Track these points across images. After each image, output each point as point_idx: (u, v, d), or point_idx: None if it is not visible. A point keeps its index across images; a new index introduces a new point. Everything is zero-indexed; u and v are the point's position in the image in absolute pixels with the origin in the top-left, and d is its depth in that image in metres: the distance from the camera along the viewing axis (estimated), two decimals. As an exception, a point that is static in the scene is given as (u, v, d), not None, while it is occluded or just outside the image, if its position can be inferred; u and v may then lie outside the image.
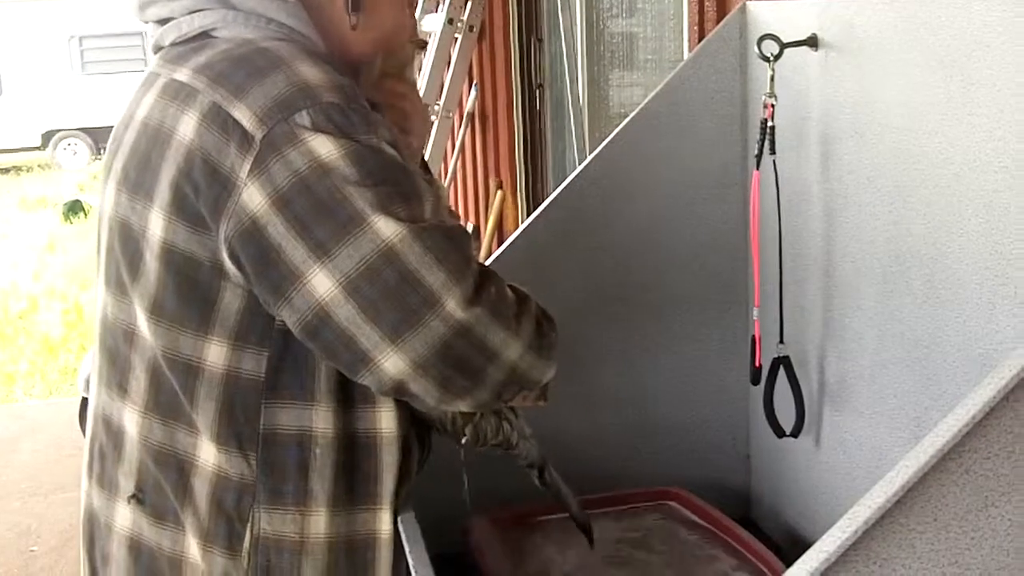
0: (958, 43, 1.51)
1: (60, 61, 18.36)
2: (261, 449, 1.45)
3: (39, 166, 18.74)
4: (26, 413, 6.37)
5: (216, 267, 1.38)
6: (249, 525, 1.46)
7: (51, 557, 4.28)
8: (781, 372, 2.01)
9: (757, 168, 1.92)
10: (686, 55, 2.52)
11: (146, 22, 1.56)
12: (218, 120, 1.34)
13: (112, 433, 1.55)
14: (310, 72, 1.37)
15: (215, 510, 1.47)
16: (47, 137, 18.79)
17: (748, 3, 2.08)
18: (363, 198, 1.33)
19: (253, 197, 1.32)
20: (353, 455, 1.49)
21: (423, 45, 1.60)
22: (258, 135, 1.32)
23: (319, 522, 1.48)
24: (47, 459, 5.29)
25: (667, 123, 2.08)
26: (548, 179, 4.87)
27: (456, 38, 4.90)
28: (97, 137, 18.72)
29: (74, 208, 13.70)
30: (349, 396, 1.47)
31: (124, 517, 1.54)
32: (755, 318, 2.00)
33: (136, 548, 1.54)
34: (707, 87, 2.09)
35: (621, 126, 2.08)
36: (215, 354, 1.42)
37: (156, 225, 1.40)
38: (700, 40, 2.32)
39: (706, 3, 2.50)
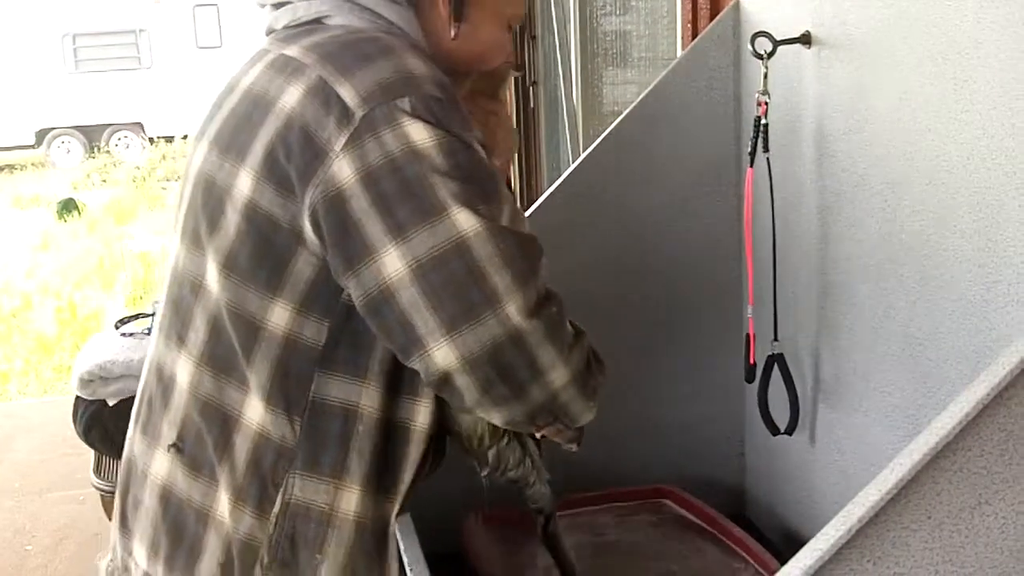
0: (951, 40, 1.51)
1: (54, 59, 18.32)
2: (307, 416, 1.47)
3: (33, 164, 18.68)
4: (20, 411, 6.35)
5: (295, 232, 1.41)
6: (282, 490, 1.48)
7: (45, 556, 4.27)
8: (775, 370, 2.02)
9: (751, 165, 1.92)
10: (679, 53, 2.52)
11: (262, 5, 1.61)
12: (322, 94, 1.39)
13: (163, 382, 1.57)
14: (416, 64, 1.42)
15: (251, 469, 1.48)
16: (41, 135, 18.73)
17: (741, 0, 2.08)
18: (448, 189, 1.36)
19: (343, 169, 1.36)
20: (389, 441, 1.51)
21: (519, 68, 1.62)
22: (359, 113, 1.37)
23: (351, 499, 1.49)
24: (41, 458, 5.27)
25: (661, 121, 2.08)
26: (542, 176, 4.87)
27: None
28: (91, 135, 18.68)
29: (68, 206, 13.66)
30: (397, 383, 1.49)
31: (161, 465, 1.56)
32: (749, 316, 2.00)
33: (167, 497, 1.55)
34: (701, 85, 2.09)
35: (615, 124, 2.08)
36: (279, 316, 1.45)
37: (244, 184, 1.43)
38: (693, 38, 2.32)
39: (699, 0, 2.50)
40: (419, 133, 1.37)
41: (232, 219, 1.45)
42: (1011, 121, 1.42)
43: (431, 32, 1.55)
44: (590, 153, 2.08)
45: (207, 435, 1.50)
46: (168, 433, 1.54)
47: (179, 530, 1.54)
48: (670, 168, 2.11)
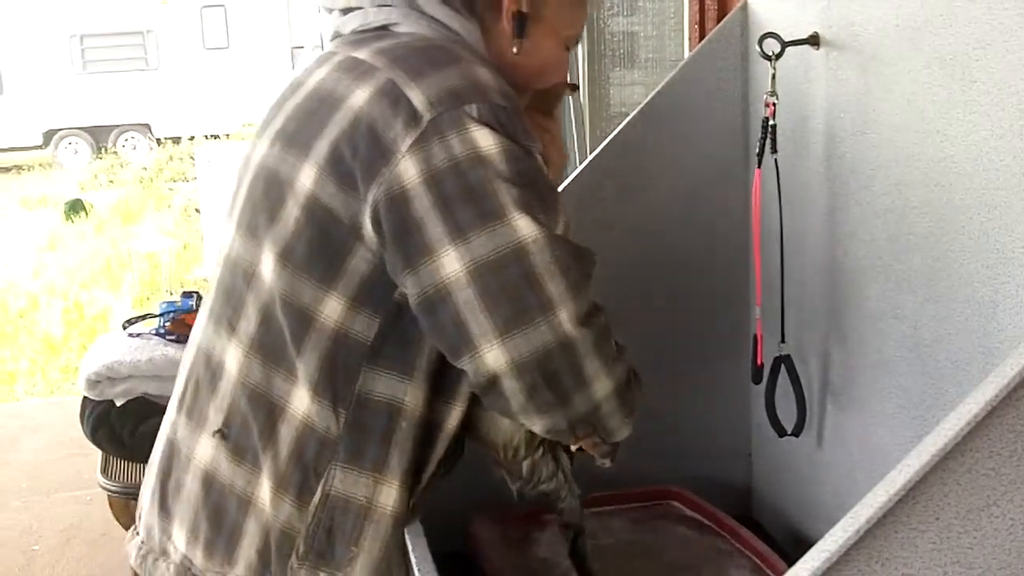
0: (959, 42, 1.51)
1: (61, 60, 18.35)
2: (353, 409, 1.49)
3: (40, 165, 18.70)
4: (27, 412, 6.36)
5: (354, 228, 1.43)
6: (323, 480, 1.50)
7: (52, 556, 4.27)
8: (783, 371, 2.01)
9: (759, 167, 1.92)
10: (687, 54, 2.52)
11: (329, 11, 1.64)
12: (391, 95, 1.42)
13: (211, 368, 1.58)
14: (483, 74, 1.46)
15: (294, 458, 1.50)
16: (48, 136, 18.75)
17: (749, 1, 2.08)
18: (510, 195, 1.39)
19: (408, 170, 1.39)
20: (425, 439, 1.54)
21: (575, 88, 1.64)
22: (427, 116, 1.40)
23: (390, 493, 1.51)
24: (48, 458, 5.28)
25: (668, 122, 2.08)
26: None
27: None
28: (98, 136, 18.70)
29: (75, 207, 13.67)
30: (440, 384, 1.52)
31: (205, 450, 1.58)
32: (757, 317, 2.00)
33: (209, 482, 1.57)
34: (708, 86, 2.09)
35: (622, 125, 2.08)
36: (331, 309, 1.46)
37: (306, 177, 1.46)
38: (701, 39, 2.32)
39: (707, 1, 2.50)
40: (485, 139, 1.40)
41: (292, 211, 1.47)
42: (1019, 122, 1.42)
43: (494, 46, 1.58)
44: (597, 154, 2.08)
45: (253, 422, 1.52)
46: (214, 418, 1.56)
47: (220, 516, 1.56)
48: (677, 169, 2.11)
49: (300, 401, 1.49)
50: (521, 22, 1.58)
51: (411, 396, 1.50)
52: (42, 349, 8.14)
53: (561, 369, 1.40)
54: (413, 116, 1.40)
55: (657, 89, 2.07)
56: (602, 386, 1.44)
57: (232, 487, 1.55)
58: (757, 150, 1.92)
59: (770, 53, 1.88)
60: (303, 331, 1.48)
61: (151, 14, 18.44)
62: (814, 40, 1.86)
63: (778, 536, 2.15)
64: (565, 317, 1.39)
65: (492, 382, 1.41)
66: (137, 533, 1.72)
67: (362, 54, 1.50)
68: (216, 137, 16.50)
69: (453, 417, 1.54)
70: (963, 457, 0.99)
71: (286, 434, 1.50)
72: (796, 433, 2.03)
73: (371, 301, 1.47)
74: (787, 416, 2.03)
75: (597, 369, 1.42)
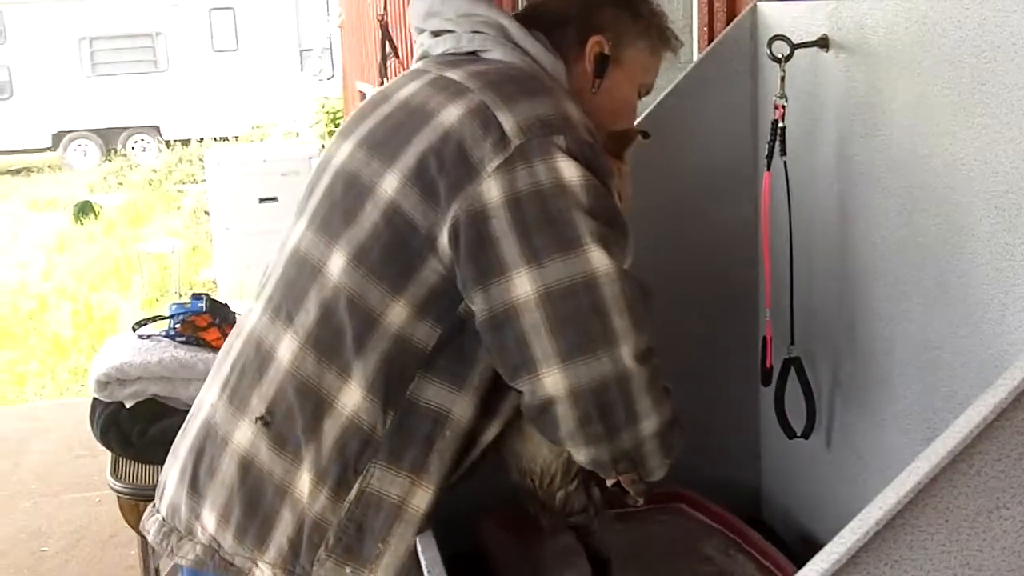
0: (969, 44, 1.51)
1: (70, 62, 18.37)
2: (401, 412, 1.54)
3: (49, 167, 18.72)
4: (36, 414, 6.37)
5: (430, 239, 1.49)
6: (361, 477, 1.54)
7: (61, 557, 4.28)
8: (792, 373, 2.01)
9: (768, 169, 1.92)
10: (696, 56, 2.51)
11: (420, 31, 1.71)
12: (482, 116, 1.48)
13: (261, 355, 1.62)
14: (572, 108, 1.52)
15: (336, 453, 1.54)
16: (57, 138, 18.76)
17: (758, 4, 2.08)
18: (587, 226, 1.45)
19: (491, 190, 1.45)
20: (463, 449, 1.58)
21: (647, 136, 1.76)
22: (515, 141, 1.46)
23: (424, 497, 1.56)
24: (57, 460, 5.28)
25: (677, 124, 2.08)
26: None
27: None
28: (107, 138, 18.72)
29: (84, 209, 13.68)
30: (487, 400, 1.57)
31: (244, 436, 1.61)
32: (766, 319, 2.00)
33: (247, 468, 1.60)
34: (717, 88, 2.09)
35: (632, 127, 2.08)
36: (396, 314, 1.52)
37: (389, 184, 1.51)
38: (710, 41, 2.32)
39: (716, 4, 2.50)
40: (569, 170, 1.46)
41: (371, 215, 1.52)
42: (1029, 123, 1.42)
43: (574, 85, 1.64)
44: (606, 156, 2.07)
45: (299, 414, 1.56)
46: (257, 405, 1.60)
47: (255, 502, 1.59)
48: (687, 171, 2.11)
49: (350, 398, 1.54)
50: (603, 63, 1.66)
51: (459, 408, 1.55)
52: (51, 351, 8.15)
53: (615, 402, 1.45)
54: (502, 139, 1.46)
55: (666, 92, 2.07)
56: (650, 424, 1.49)
57: (271, 474, 1.58)
58: (766, 152, 1.92)
59: (779, 55, 1.88)
60: (366, 332, 1.52)
61: (160, 16, 18.46)
62: (823, 42, 1.86)
63: (787, 538, 2.14)
64: (626, 352, 1.45)
65: (546, 406, 1.46)
66: (157, 511, 1.74)
67: (455, 75, 1.56)
68: (225, 139, 16.51)
69: (491, 432, 1.59)
70: (972, 460, 0.99)
71: (330, 429, 1.54)
72: (805, 435, 2.02)
73: (435, 312, 1.52)
74: (796, 418, 2.03)
75: (648, 407, 1.48)
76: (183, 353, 2.96)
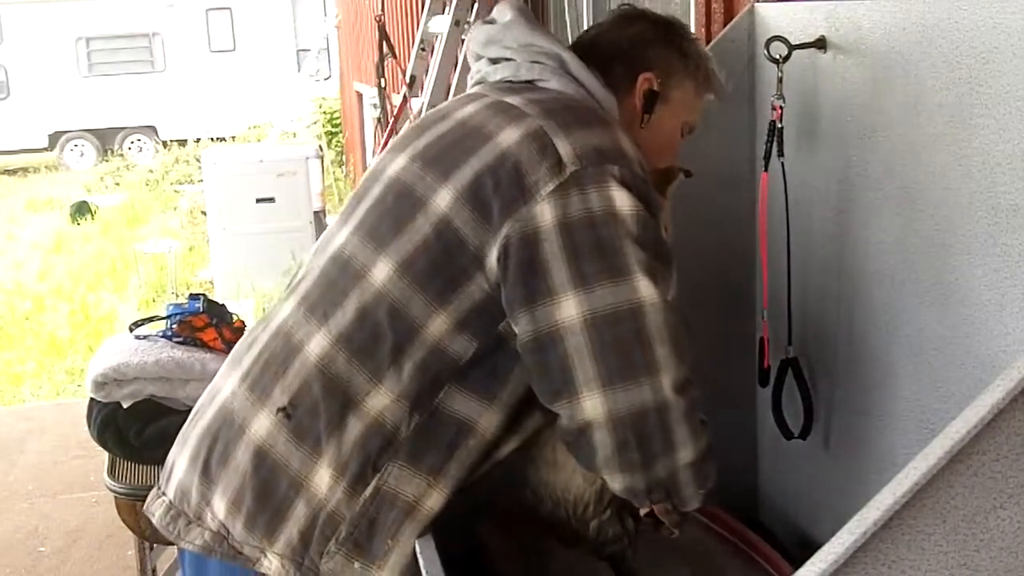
0: (967, 45, 1.51)
1: (67, 62, 18.33)
2: (428, 417, 1.57)
3: (46, 167, 18.67)
4: (33, 414, 6.35)
5: (478, 257, 1.52)
6: (379, 474, 1.56)
7: (58, 558, 4.27)
8: (789, 374, 2.01)
9: (765, 170, 1.92)
10: None
11: (478, 58, 1.77)
12: (540, 141, 1.51)
13: (289, 347, 1.64)
14: (626, 142, 1.56)
15: (358, 449, 1.57)
16: (54, 138, 18.72)
17: (756, 5, 2.08)
18: (636, 256, 1.48)
19: (544, 213, 1.48)
20: (481, 460, 1.60)
21: (689, 174, 1.80)
22: (571, 168, 1.49)
23: (438, 499, 1.58)
24: (54, 460, 5.27)
25: (675, 125, 2.07)
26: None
27: (463, 40, 4.89)
28: (104, 138, 18.68)
29: (81, 209, 13.66)
30: (514, 416, 1.59)
31: (262, 425, 1.62)
32: (764, 319, 2.00)
33: (262, 457, 1.61)
34: (715, 89, 2.09)
35: (629, 128, 2.07)
36: (437, 326, 1.55)
37: (442, 199, 1.54)
38: (708, 42, 2.31)
39: (714, 5, 2.50)
40: (622, 200, 1.49)
41: (421, 228, 1.55)
42: (1026, 125, 1.42)
43: (623, 118, 1.67)
44: (604, 157, 2.07)
45: (323, 409, 1.58)
46: (279, 397, 1.61)
47: (268, 492, 1.61)
48: (684, 172, 2.10)
49: (378, 400, 1.56)
50: (651, 99, 1.71)
51: (485, 420, 1.57)
52: (48, 351, 8.13)
53: (653, 431, 1.48)
54: (558, 164, 1.49)
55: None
56: (686, 454, 1.51)
57: (287, 466, 1.60)
58: (764, 153, 1.92)
59: (777, 56, 1.88)
60: (406, 340, 1.55)
61: (157, 17, 18.42)
62: (821, 43, 1.86)
63: (784, 538, 2.14)
64: (667, 382, 1.48)
65: (583, 430, 1.49)
66: (163, 494, 1.74)
67: (514, 100, 1.60)
68: (222, 140, 16.49)
69: (509, 446, 1.61)
70: (969, 460, 0.99)
71: (354, 426, 1.57)
72: (803, 436, 2.02)
73: (475, 327, 1.55)
74: (794, 419, 2.03)
75: (685, 437, 1.51)
76: (180, 353, 2.95)
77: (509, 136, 1.54)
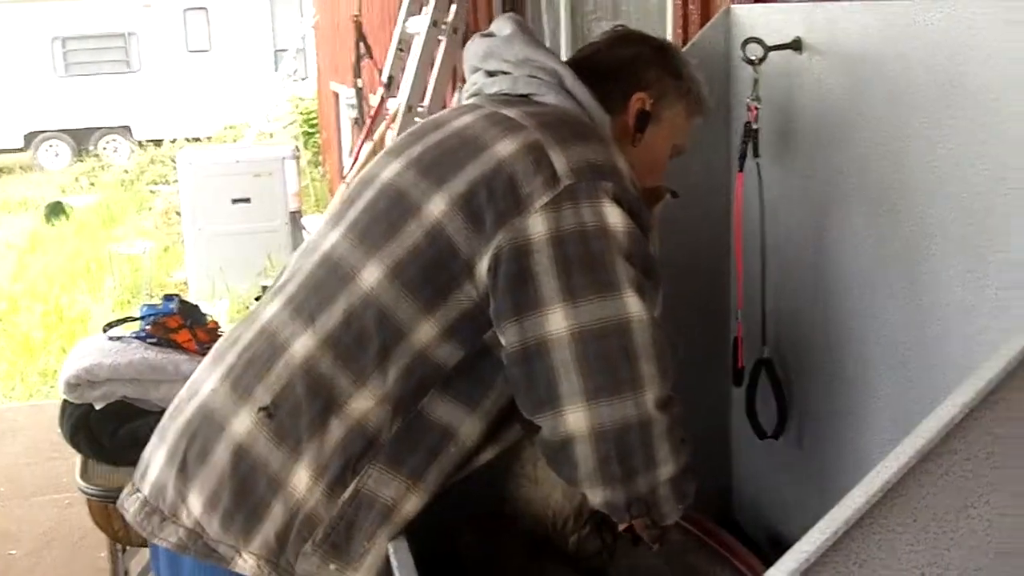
0: (942, 47, 1.51)
1: (43, 62, 18.23)
2: (410, 421, 1.57)
3: (21, 167, 18.56)
4: (5, 416, 6.30)
5: (469, 266, 1.53)
6: (358, 477, 1.56)
7: (30, 560, 4.24)
8: (763, 374, 2.01)
9: (740, 170, 1.92)
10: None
11: (475, 70, 1.78)
12: (535, 154, 1.53)
13: (273, 347, 1.63)
14: (620, 160, 1.58)
15: (338, 451, 1.57)
16: (29, 138, 18.62)
17: (732, 6, 2.08)
18: (626, 272, 1.50)
19: (536, 225, 1.49)
20: (460, 467, 1.61)
21: (676, 195, 1.82)
22: (565, 181, 1.50)
23: (416, 503, 1.58)
24: (27, 462, 5.23)
25: (650, 125, 2.07)
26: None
27: (440, 40, 4.89)
28: (79, 138, 18.58)
29: (55, 210, 13.58)
30: (494, 426, 1.60)
31: (243, 424, 1.61)
32: (738, 320, 2.00)
33: (241, 456, 1.61)
34: (690, 90, 2.08)
35: (604, 128, 2.07)
36: (424, 332, 1.55)
37: (436, 206, 1.55)
38: (684, 43, 2.32)
39: (690, 6, 2.50)
40: (614, 216, 1.51)
41: (413, 233, 1.56)
42: (1000, 127, 1.43)
43: (615, 136, 1.68)
44: (579, 157, 2.07)
45: (305, 410, 1.58)
46: (262, 396, 1.61)
47: (246, 491, 1.60)
48: (659, 173, 2.10)
49: (361, 403, 1.56)
50: (644, 119, 1.73)
51: (467, 428, 1.58)
52: (21, 352, 8.08)
53: (635, 446, 1.49)
54: (553, 177, 1.50)
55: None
56: (666, 470, 1.53)
57: (266, 466, 1.59)
58: (739, 154, 1.92)
59: (753, 57, 1.88)
60: (392, 345, 1.55)
61: (133, 17, 18.33)
62: (797, 45, 1.86)
63: (757, 538, 2.14)
64: (651, 398, 1.49)
65: (565, 443, 1.50)
66: (138, 491, 1.73)
67: (511, 113, 1.61)
68: (198, 140, 16.43)
69: (487, 455, 1.62)
70: (941, 459, 0.99)
71: (336, 428, 1.57)
72: (776, 435, 2.03)
73: (461, 335, 1.55)
74: (767, 419, 2.03)
75: (667, 454, 1.52)
76: (153, 355, 2.93)
77: (505, 147, 1.55)
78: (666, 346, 1.53)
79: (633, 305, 1.49)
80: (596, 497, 1.54)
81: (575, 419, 1.49)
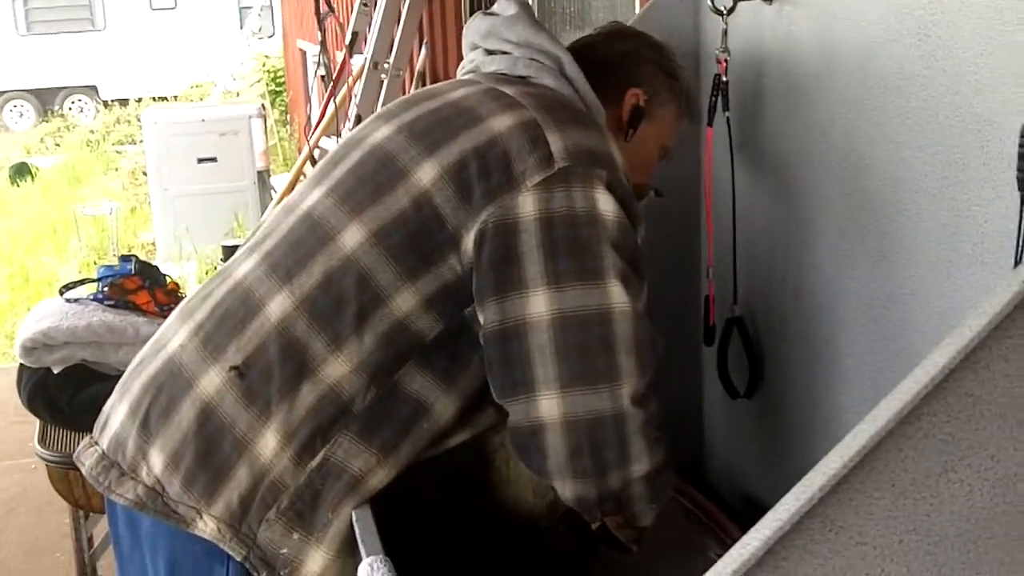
0: (916, -6, 1.48)
1: (5, 21, 17.99)
2: (386, 392, 1.54)
3: (-16, 128, 18.41)
4: (-30, 379, 6.26)
5: (455, 238, 1.50)
6: (328, 445, 1.53)
7: (-5, 525, 4.21)
8: (735, 332, 1.99)
9: (710, 124, 1.90)
10: (637, 9, 2.47)
11: (473, 47, 1.78)
12: (531, 132, 1.51)
13: (248, 306, 1.60)
14: (616, 152, 1.56)
15: (309, 417, 1.53)
16: (-7, 99, 18.48)
17: (701, -45, 2.04)
18: (612, 261, 1.48)
19: (526, 203, 1.47)
20: (432, 447, 1.57)
21: (660, 195, 1.83)
22: (560, 163, 1.48)
23: (385, 476, 1.55)
24: (-9, 426, 5.20)
25: (618, 78, 2.03)
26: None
27: (405, -5, 4.81)
28: (44, 98, 18.39)
29: (20, 171, 13.44)
30: (470, 407, 1.57)
31: (212, 382, 1.58)
32: (709, 277, 1.98)
33: (208, 415, 1.57)
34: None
35: (571, 82, 2.03)
36: (404, 300, 1.52)
37: (425, 174, 1.53)
38: (652, -7, 2.27)
39: (658, -44, 2.45)
40: (606, 204, 1.49)
41: (400, 199, 1.53)
42: (975, 76, 1.39)
43: (608, 129, 1.66)
44: (546, 112, 2.03)
45: (277, 372, 1.55)
46: (233, 355, 1.58)
47: (210, 451, 1.57)
48: (628, 127, 2.06)
49: (336, 368, 1.53)
50: (637, 115, 1.74)
51: (441, 405, 1.55)
52: (-15, 315, 8.00)
53: (608, 441, 1.47)
54: (548, 158, 1.48)
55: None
56: (640, 467, 1.50)
57: (232, 427, 1.56)
58: (708, 107, 1.89)
59: (721, 8, 1.86)
60: (372, 309, 1.53)
61: (96, -27, 18.13)
62: (767, -6, 1.82)
63: (730, 498, 2.13)
64: (626, 392, 1.48)
65: (536, 431, 1.48)
66: (96, 444, 1.69)
67: (509, 91, 1.60)
68: (164, 99, 16.27)
69: (458, 438, 1.58)
70: (919, 422, 0.95)
71: (308, 393, 1.54)
72: (748, 395, 2.01)
73: (442, 307, 1.53)
74: (739, 378, 2.01)
75: (641, 450, 1.50)
76: (112, 317, 2.87)
77: (502, 122, 1.53)
78: (647, 340, 1.51)
79: (617, 295, 1.48)
80: (566, 491, 1.52)
81: (548, 406, 1.47)
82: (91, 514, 3.06)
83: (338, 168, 1.64)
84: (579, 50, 1.73)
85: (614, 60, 1.77)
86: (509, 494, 1.63)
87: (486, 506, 1.65)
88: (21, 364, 2.95)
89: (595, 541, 1.61)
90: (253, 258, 1.65)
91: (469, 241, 1.49)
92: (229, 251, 4.17)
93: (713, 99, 1.88)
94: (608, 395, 1.47)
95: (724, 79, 1.88)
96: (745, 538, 0.95)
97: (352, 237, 1.55)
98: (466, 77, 1.74)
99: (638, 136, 1.75)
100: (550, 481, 1.53)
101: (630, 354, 1.48)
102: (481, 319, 1.50)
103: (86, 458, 1.69)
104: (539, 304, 1.46)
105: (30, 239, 10.30)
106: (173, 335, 1.68)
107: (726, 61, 1.87)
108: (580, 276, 1.47)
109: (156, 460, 1.60)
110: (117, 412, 1.68)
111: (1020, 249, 1.28)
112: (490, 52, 1.74)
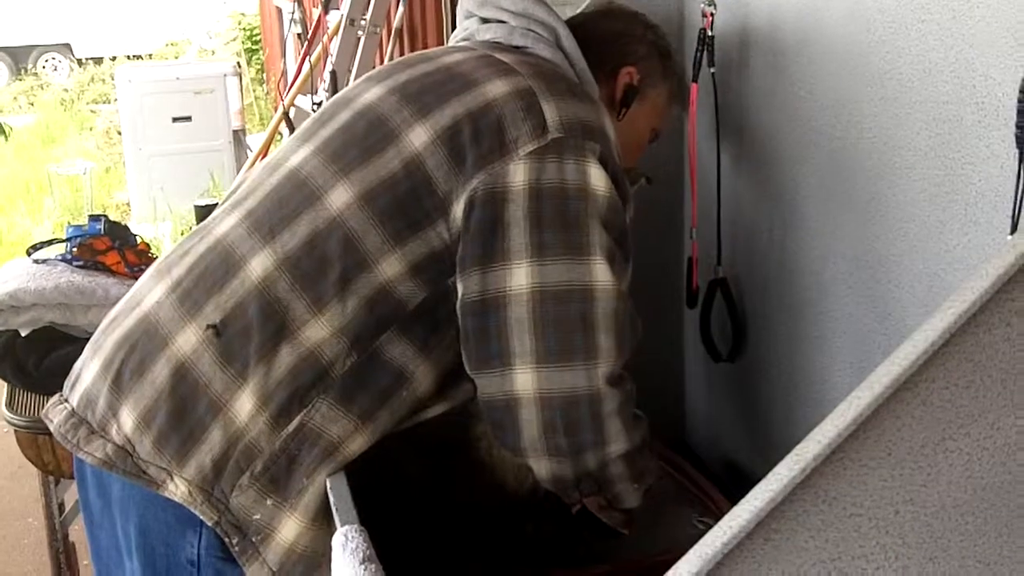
0: (908, -56, 1.43)
1: (-24, -22, 17.79)
2: (366, 358, 1.51)
3: (-44, 87, 18.21)
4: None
5: (444, 204, 1.48)
6: (305, 410, 1.50)
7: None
8: (718, 295, 1.96)
9: (695, 80, 1.86)
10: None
11: (468, 16, 1.75)
12: (526, 100, 1.49)
13: (228, 263, 1.56)
14: (611, 129, 1.54)
15: (287, 380, 1.50)
16: (-36, 57, 18.25)
17: (686, -94, 1.99)
18: (599, 237, 1.46)
19: (517, 172, 1.45)
20: (410, 417, 1.55)
21: (650, 181, 1.81)
22: (554, 133, 1.46)
23: (362, 444, 1.52)
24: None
25: (600, 33, 1.99)
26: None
27: (382, -50, 4.73)
28: (17, 56, 18.17)
29: (-8, 129, 13.33)
30: (449, 378, 1.54)
31: (188, 340, 1.55)
32: (692, 239, 1.94)
33: (183, 374, 1.54)
34: (642, -5, 2.00)
35: (552, 36, 1.98)
36: (390, 265, 1.49)
37: (417, 137, 1.51)
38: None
39: (641, -92, 2.39)
40: (597, 178, 1.47)
41: (391, 161, 1.51)
42: (969, 30, 1.36)
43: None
44: (526, 68, 1.98)
45: (256, 332, 1.52)
46: (211, 313, 1.55)
47: (184, 411, 1.54)
48: (610, 84, 2.02)
49: (316, 331, 1.50)
50: (630, 94, 1.72)
51: (421, 374, 1.52)
52: (-42, 277, 7.91)
53: (583, 421, 1.47)
54: (541, 127, 1.46)
55: (589, 1, 1.97)
56: (617, 447, 1.49)
57: (207, 387, 1.53)
58: (693, 63, 1.85)
59: (707, -40, 1.80)
60: (354, 272, 1.50)
61: (69, -71, 17.88)
62: (754, -55, 1.77)
63: (710, 462, 2.11)
64: (602, 372, 1.46)
65: (510, 406, 1.47)
66: (66, 401, 1.66)
67: (505, 58, 1.58)
68: (139, 57, 16.09)
69: (435, 410, 1.56)
70: (917, 388, 0.91)
71: (286, 355, 1.51)
72: (732, 358, 1.98)
73: (425, 275, 1.50)
74: (723, 341, 1.97)
75: (618, 430, 1.49)
76: (81, 278, 2.81)
77: (496, 88, 1.51)
78: (627, 321, 1.49)
79: (601, 272, 1.46)
80: (542, 469, 1.51)
81: (523, 380, 1.45)
82: (61, 479, 3.01)
83: (326, 128, 1.61)
84: (573, 26, 1.70)
85: (608, 37, 1.75)
86: (490, 479, 1.61)
87: (467, 488, 1.62)
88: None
89: (578, 527, 1.58)
90: (234, 215, 1.61)
91: (459, 208, 1.47)
92: (202, 212, 4.09)
93: (698, 54, 1.85)
94: (584, 373, 1.45)
95: (710, 34, 1.84)
96: (735, 509, 0.91)
97: (339, 198, 1.52)
98: (461, 44, 1.70)
99: (629, 117, 1.73)
100: (526, 460, 1.51)
101: (609, 334, 1.46)
102: (461, 289, 1.48)
103: (55, 415, 1.65)
104: (520, 277, 1.44)
105: (3, 200, 10.19)
106: (148, 292, 1.63)
107: (712, 15, 1.83)
108: (565, 250, 1.45)
109: (127, 419, 1.56)
110: (88, 369, 1.64)
111: (1018, 210, 1.23)
112: (485, 20, 1.70)
